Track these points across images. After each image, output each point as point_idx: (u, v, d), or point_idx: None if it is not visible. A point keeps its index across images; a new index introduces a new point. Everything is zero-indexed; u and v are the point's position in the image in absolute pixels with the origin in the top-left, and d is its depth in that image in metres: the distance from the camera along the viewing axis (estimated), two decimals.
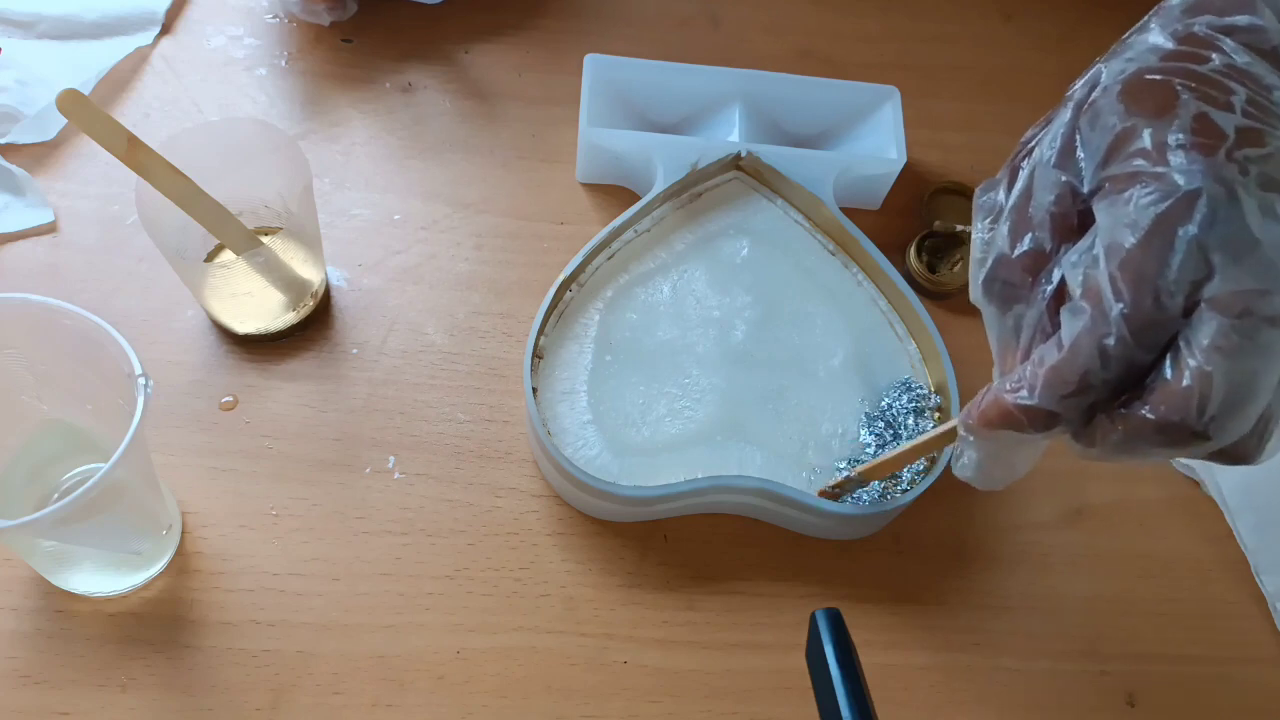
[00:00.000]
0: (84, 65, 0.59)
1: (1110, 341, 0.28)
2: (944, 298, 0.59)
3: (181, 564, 0.47)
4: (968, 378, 0.55)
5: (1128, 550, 0.53)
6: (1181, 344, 0.28)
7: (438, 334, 0.54)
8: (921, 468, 0.50)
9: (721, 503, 0.50)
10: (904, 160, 0.58)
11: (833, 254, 0.57)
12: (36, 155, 0.57)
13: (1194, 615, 0.52)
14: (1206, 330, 0.27)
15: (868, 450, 0.51)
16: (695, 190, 0.57)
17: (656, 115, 0.61)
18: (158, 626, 0.46)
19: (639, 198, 0.56)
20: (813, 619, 0.33)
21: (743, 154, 0.57)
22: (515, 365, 0.54)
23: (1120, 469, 0.55)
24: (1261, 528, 0.53)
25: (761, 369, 0.52)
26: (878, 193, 0.61)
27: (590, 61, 0.59)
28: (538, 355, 0.51)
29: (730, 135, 0.58)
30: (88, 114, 0.43)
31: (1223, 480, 0.54)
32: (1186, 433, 0.28)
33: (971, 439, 0.34)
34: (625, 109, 0.60)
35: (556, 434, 0.49)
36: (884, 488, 0.49)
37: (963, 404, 0.50)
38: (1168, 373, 0.28)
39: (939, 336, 0.53)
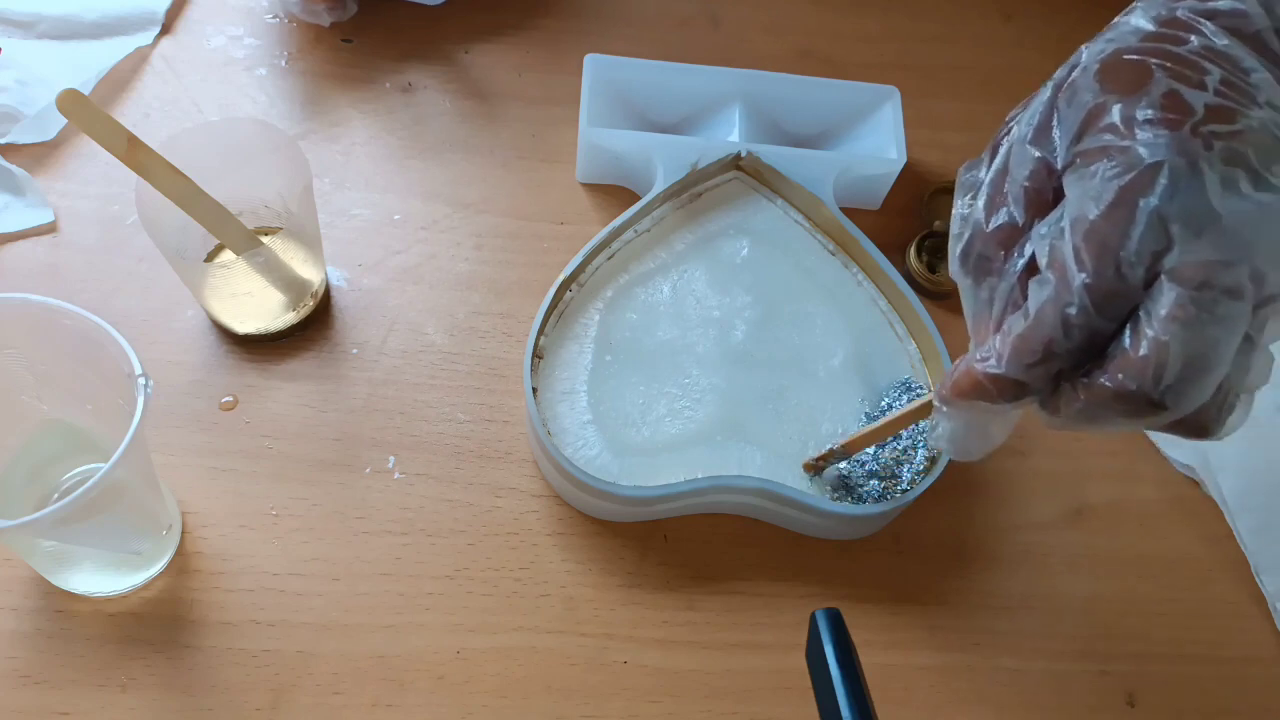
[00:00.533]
0: (84, 65, 0.59)
1: (1073, 311, 0.29)
2: (944, 298, 0.59)
3: (181, 564, 0.47)
4: None
5: (1128, 550, 0.53)
6: (1141, 314, 0.28)
7: (438, 334, 0.54)
8: (922, 468, 0.50)
9: (721, 503, 0.50)
10: (904, 160, 0.58)
11: (833, 254, 0.57)
12: (36, 155, 0.57)
13: (1194, 615, 0.52)
14: (1165, 301, 0.27)
15: (867, 450, 0.51)
16: (695, 190, 0.57)
17: (656, 115, 0.61)
18: (158, 626, 0.46)
19: (639, 198, 0.56)
20: (813, 619, 0.33)
21: (743, 154, 0.57)
22: (515, 365, 0.54)
23: (1120, 469, 0.55)
24: (1261, 528, 0.53)
25: (761, 369, 0.52)
26: (878, 193, 0.61)
27: (590, 61, 0.59)
28: (538, 355, 0.51)
29: (730, 135, 0.58)
30: (88, 114, 0.43)
31: (1223, 480, 0.54)
32: (1143, 401, 0.28)
33: (946, 410, 0.35)
34: (625, 109, 0.60)
35: (556, 434, 0.49)
36: (884, 488, 0.49)
37: None
38: (1126, 342, 0.28)
39: (939, 336, 0.53)
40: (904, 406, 0.45)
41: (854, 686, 0.31)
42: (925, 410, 0.43)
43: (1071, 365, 0.30)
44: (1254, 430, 0.55)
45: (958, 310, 0.58)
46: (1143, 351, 0.28)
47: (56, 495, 0.47)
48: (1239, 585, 0.53)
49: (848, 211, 0.59)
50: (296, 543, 0.48)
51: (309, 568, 0.48)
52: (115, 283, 0.54)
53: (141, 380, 0.38)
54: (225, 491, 0.49)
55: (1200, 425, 0.30)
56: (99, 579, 0.45)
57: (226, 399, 0.51)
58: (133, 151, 0.44)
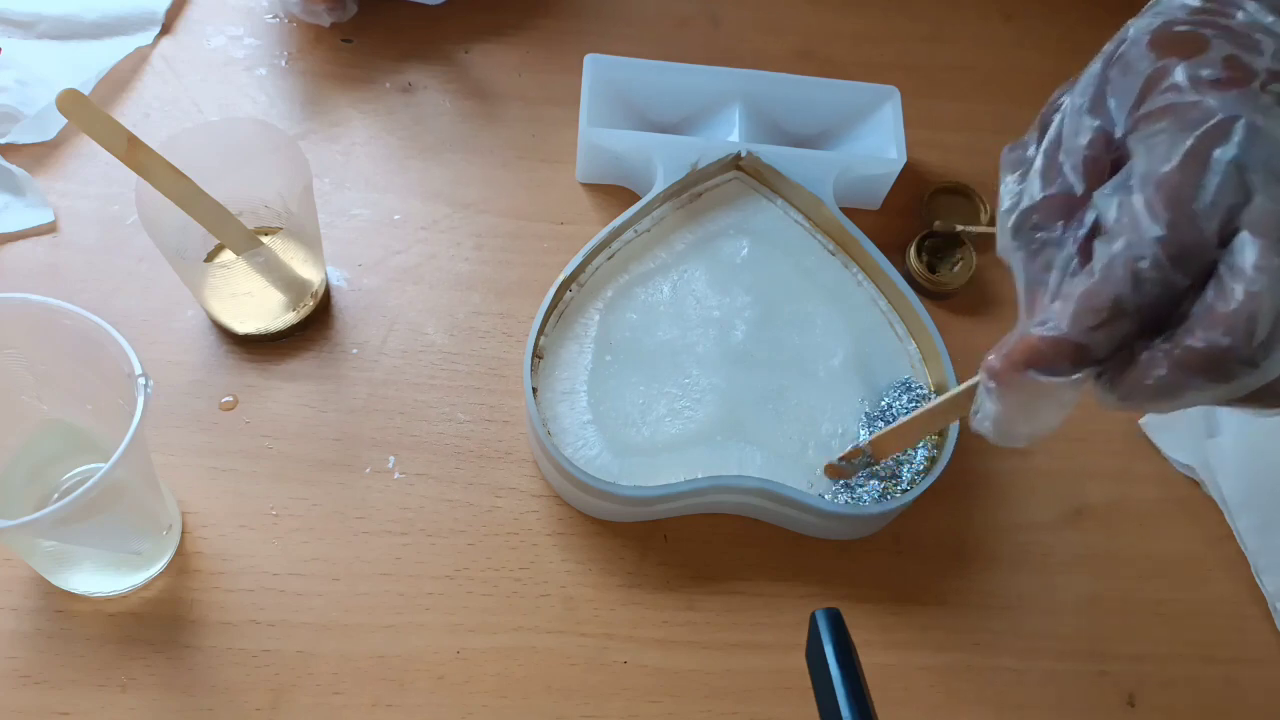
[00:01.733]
0: (84, 65, 0.59)
1: (1145, 264, 0.28)
2: (944, 298, 0.59)
3: (181, 564, 0.47)
4: (968, 378, 0.55)
5: (1128, 550, 0.53)
6: (1223, 269, 0.27)
7: (438, 334, 0.54)
8: (921, 468, 0.50)
9: (721, 503, 0.50)
10: (904, 160, 0.58)
11: (833, 254, 0.57)
12: (36, 155, 0.57)
13: (1194, 615, 0.52)
14: (1249, 252, 0.27)
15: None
16: (695, 190, 0.57)
17: (656, 115, 0.61)
18: (158, 626, 0.46)
19: (639, 198, 0.56)
20: (813, 619, 0.33)
21: (743, 154, 0.57)
22: (515, 365, 0.54)
23: (1120, 469, 0.55)
24: (1261, 528, 0.53)
25: (761, 369, 0.52)
26: (878, 193, 0.61)
27: (590, 61, 0.59)
28: (538, 355, 0.51)
29: (730, 135, 0.58)
30: (88, 114, 0.43)
31: (1223, 480, 0.54)
32: (1235, 361, 0.27)
33: (993, 387, 0.32)
34: (625, 109, 0.60)
35: (556, 434, 0.49)
36: (884, 488, 0.49)
37: None
38: (1211, 298, 0.27)
39: (939, 336, 0.53)
40: (940, 398, 0.42)
41: (854, 686, 0.31)
42: (960, 403, 0.41)
43: (1136, 330, 0.29)
44: (1254, 430, 0.55)
45: (958, 310, 0.58)
46: (1234, 305, 0.27)
47: (56, 495, 0.47)
48: (1239, 585, 0.53)
49: (848, 211, 0.59)
50: (296, 543, 0.48)
51: (309, 568, 0.48)
52: (115, 283, 0.54)
53: (141, 380, 0.38)
54: (225, 491, 0.49)
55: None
56: (99, 579, 0.45)
57: (226, 399, 0.51)
58: (133, 151, 0.44)
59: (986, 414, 0.33)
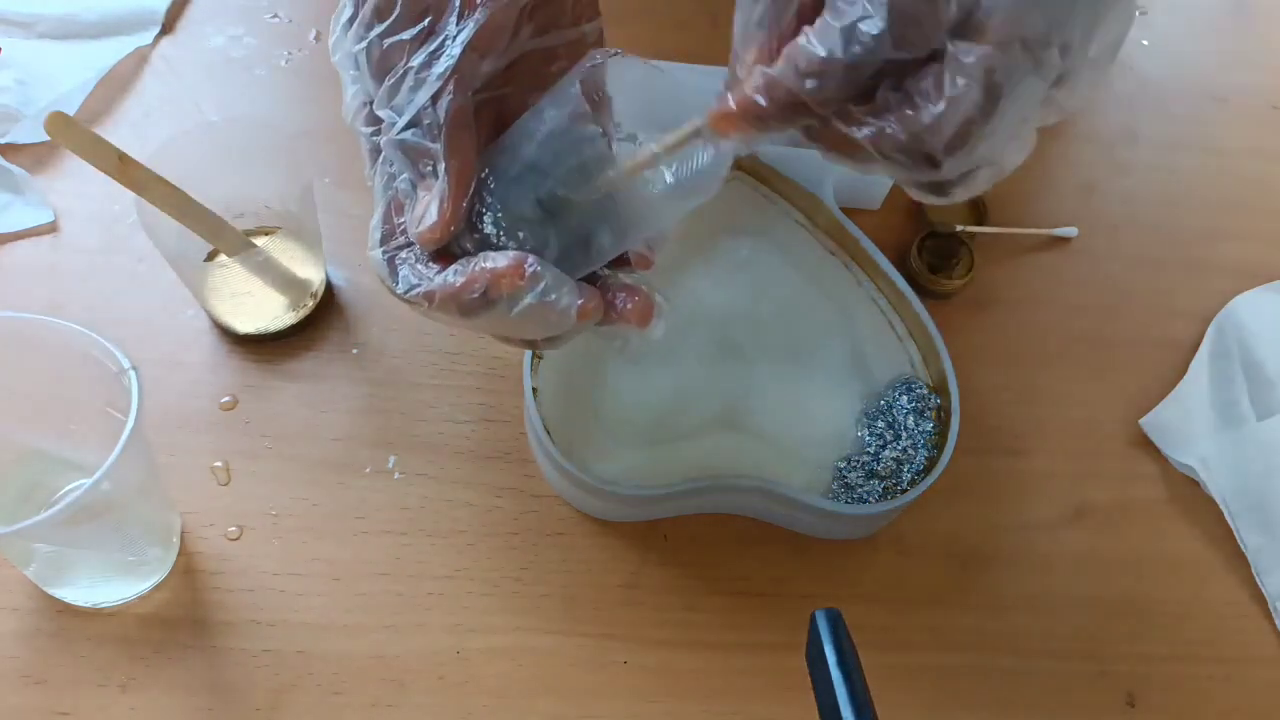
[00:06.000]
0: (84, 65, 0.59)
1: (868, 27, 0.26)
2: (944, 298, 0.59)
3: (182, 564, 0.47)
4: (968, 377, 0.55)
5: (1128, 550, 0.53)
6: (947, 66, 0.26)
7: (438, 334, 0.54)
8: (921, 468, 0.50)
9: (721, 503, 0.50)
10: None
11: (833, 254, 0.57)
12: (36, 155, 0.57)
13: (1194, 615, 0.52)
14: (972, 54, 0.26)
15: (868, 450, 0.51)
16: None
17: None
18: (158, 626, 0.46)
19: None
20: (813, 619, 0.33)
21: (743, 154, 0.57)
22: (515, 365, 0.54)
23: (1120, 469, 0.55)
24: (1261, 528, 0.53)
25: (761, 369, 0.52)
26: (878, 193, 0.61)
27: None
28: (538, 355, 0.51)
29: None
30: (76, 135, 0.42)
31: (1223, 480, 0.54)
32: (922, 155, 0.27)
33: (712, 134, 0.34)
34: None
35: (556, 434, 0.49)
36: (884, 487, 0.49)
37: (962, 403, 0.50)
38: (925, 87, 0.27)
39: (939, 336, 0.53)
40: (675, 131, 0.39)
41: (854, 686, 0.32)
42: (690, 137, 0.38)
43: (851, 94, 0.28)
44: (1253, 430, 0.55)
45: (958, 310, 0.58)
46: (934, 111, 0.26)
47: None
48: (1239, 585, 0.53)
49: (848, 211, 0.59)
50: (296, 543, 0.48)
51: (309, 568, 0.48)
52: (115, 283, 0.54)
53: (131, 372, 0.38)
54: (225, 492, 0.49)
55: (942, 187, 0.29)
56: (99, 591, 0.45)
57: (226, 399, 0.51)
58: (125, 168, 0.43)
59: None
